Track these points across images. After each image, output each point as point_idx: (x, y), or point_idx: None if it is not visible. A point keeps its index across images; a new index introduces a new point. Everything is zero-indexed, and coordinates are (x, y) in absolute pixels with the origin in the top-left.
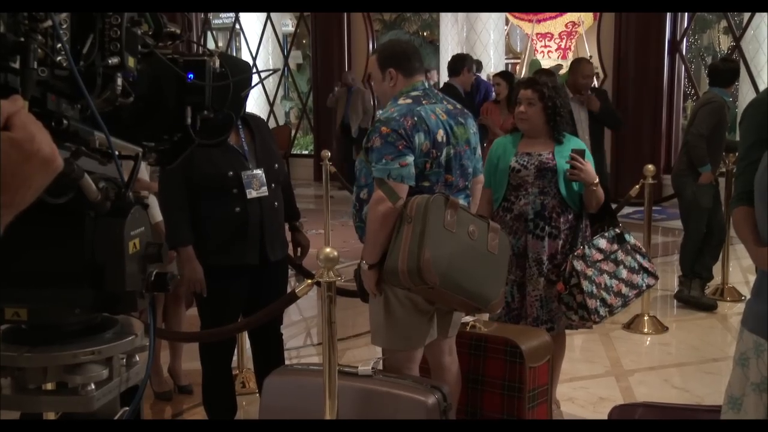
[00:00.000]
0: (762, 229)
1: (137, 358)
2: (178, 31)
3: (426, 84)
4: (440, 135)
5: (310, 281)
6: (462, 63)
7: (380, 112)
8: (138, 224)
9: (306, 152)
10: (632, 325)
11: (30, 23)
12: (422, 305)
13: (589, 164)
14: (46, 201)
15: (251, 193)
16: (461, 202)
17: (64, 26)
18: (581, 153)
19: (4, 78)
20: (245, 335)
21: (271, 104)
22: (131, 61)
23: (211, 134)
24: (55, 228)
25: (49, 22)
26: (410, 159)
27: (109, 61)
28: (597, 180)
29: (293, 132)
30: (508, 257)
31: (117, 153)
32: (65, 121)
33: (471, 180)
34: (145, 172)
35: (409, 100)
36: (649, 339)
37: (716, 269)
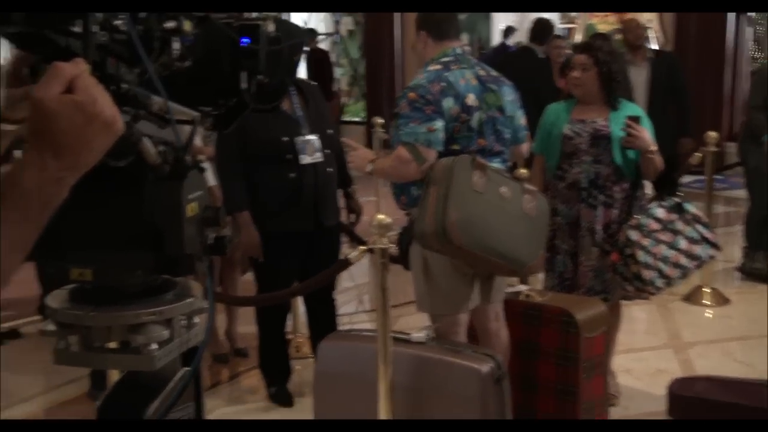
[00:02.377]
0: None
1: (196, 320)
2: None
3: (459, 50)
4: (470, 99)
5: (363, 248)
6: (549, 32)
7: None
8: (196, 187)
9: (357, 119)
10: (692, 297)
11: None
12: (461, 268)
13: (645, 131)
14: (107, 164)
15: (305, 159)
16: (494, 165)
17: None
18: (637, 119)
19: (66, 42)
20: (299, 300)
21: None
22: (187, 25)
23: (266, 99)
24: (116, 191)
25: None
26: (439, 124)
27: (166, 25)
28: (655, 147)
29: (345, 98)
30: (547, 220)
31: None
32: (125, 85)
33: (508, 146)
34: (197, 137)
35: (438, 66)
36: (710, 311)
37: None
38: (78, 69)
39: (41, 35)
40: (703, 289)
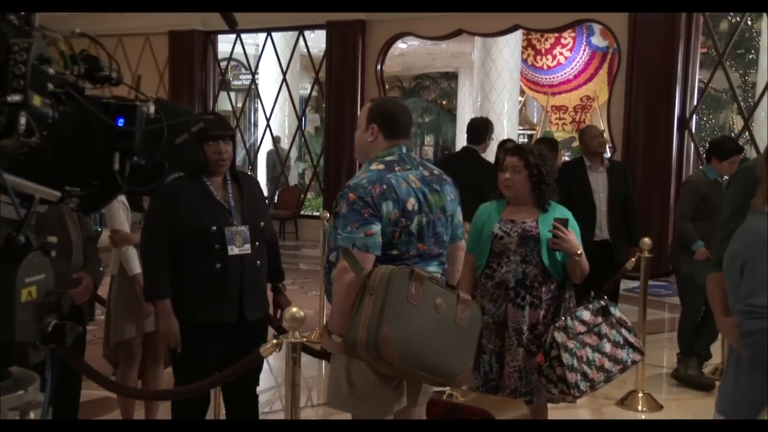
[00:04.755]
0: (730, 298)
1: (32, 416)
2: (114, 75)
3: (404, 149)
4: (411, 203)
5: (275, 341)
6: (485, 131)
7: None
8: (36, 271)
9: (317, 213)
10: (626, 402)
11: None
12: (388, 373)
13: (572, 234)
14: None
15: (233, 250)
16: (431, 272)
17: None
18: (564, 222)
19: None
20: (221, 398)
21: (283, 164)
22: (37, 100)
23: (141, 181)
24: None
25: None
26: (376, 228)
27: (8, 99)
28: (580, 251)
29: (305, 193)
30: (478, 329)
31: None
32: None
33: (446, 247)
34: (125, 223)
35: (381, 166)
36: (642, 417)
37: (715, 348)
38: None
39: None
40: (638, 395)
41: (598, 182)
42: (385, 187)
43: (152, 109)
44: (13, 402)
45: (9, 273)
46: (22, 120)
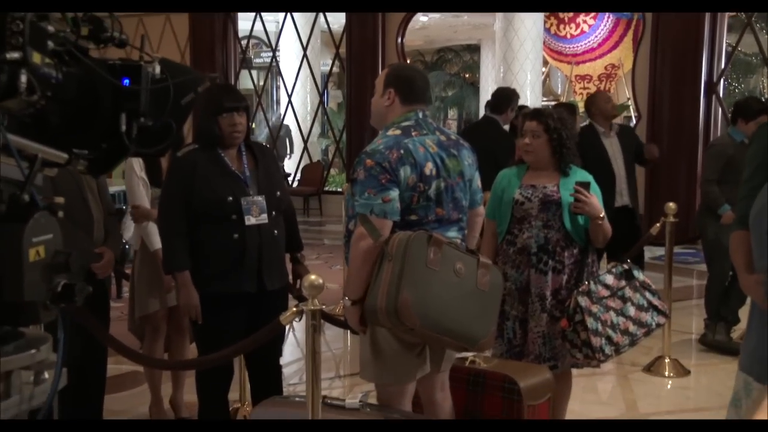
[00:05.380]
0: (755, 255)
1: (46, 375)
2: (124, 37)
3: (420, 114)
4: (428, 168)
5: (294, 309)
6: (508, 103)
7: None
8: (44, 231)
9: (340, 189)
10: (653, 368)
11: None
12: (410, 339)
13: (594, 197)
14: None
15: (250, 220)
16: (451, 237)
17: None
18: (586, 186)
19: None
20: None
21: (305, 141)
22: (37, 57)
23: (149, 143)
24: None
25: None
26: (394, 194)
27: (7, 56)
28: (603, 214)
29: (327, 169)
30: (500, 293)
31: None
32: None
33: (466, 212)
34: (145, 199)
35: (398, 131)
36: (669, 382)
37: (743, 312)
38: None
39: None
40: (665, 360)
41: (614, 148)
42: (402, 152)
43: (157, 69)
44: (25, 361)
45: (15, 232)
46: (23, 78)
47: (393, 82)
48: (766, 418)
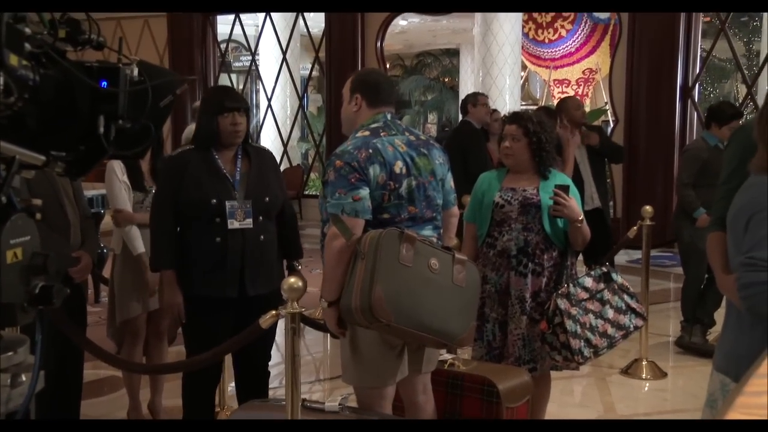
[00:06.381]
0: (730, 255)
1: (23, 378)
2: (102, 39)
3: (389, 116)
4: (398, 166)
5: (273, 312)
6: (465, 101)
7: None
8: (21, 232)
9: (319, 193)
10: (630, 370)
11: None
12: (389, 340)
13: (573, 200)
14: None
15: (233, 224)
16: (425, 235)
17: None
18: (565, 189)
19: None
20: (229, 372)
21: (285, 145)
22: (14, 59)
23: (127, 145)
24: None
25: None
26: (364, 192)
27: None
28: (582, 217)
29: (308, 173)
30: (478, 289)
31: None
32: None
33: (440, 211)
34: (128, 203)
35: (366, 133)
36: (647, 385)
37: (718, 315)
38: None
39: None
40: (642, 363)
41: (581, 152)
42: (371, 151)
43: (135, 71)
44: (3, 363)
45: None
46: (0, 80)
47: (358, 87)
48: (738, 417)
